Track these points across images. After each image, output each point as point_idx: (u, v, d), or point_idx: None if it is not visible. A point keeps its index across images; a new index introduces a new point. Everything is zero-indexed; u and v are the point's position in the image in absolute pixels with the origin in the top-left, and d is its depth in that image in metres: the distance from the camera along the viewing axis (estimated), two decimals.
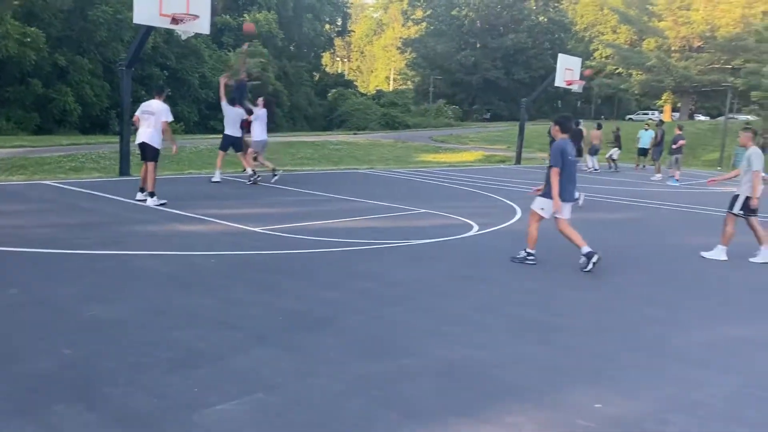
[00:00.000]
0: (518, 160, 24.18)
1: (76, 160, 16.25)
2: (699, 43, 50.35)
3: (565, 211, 7.40)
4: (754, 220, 8.55)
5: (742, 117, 49.49)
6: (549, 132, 10.23)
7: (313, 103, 56.93)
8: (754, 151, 8.50)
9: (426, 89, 72.90)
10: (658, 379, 4.27)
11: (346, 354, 4.39)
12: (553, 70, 23.18)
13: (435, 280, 6.53)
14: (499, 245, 8.55)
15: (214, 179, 13.65)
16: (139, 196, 10.41)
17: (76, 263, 6.38)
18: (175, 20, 12.33)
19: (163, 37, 34.97)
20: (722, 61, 47.70)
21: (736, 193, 8.56)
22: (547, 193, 7.33)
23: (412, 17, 79.74)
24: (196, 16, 12.51)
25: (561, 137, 7.33)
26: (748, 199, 8.41)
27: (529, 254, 7.54)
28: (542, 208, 7.43)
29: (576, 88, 23.84)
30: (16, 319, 4.69)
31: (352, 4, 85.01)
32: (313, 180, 15.26)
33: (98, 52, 34.82)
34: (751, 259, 8.48)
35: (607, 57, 58.45)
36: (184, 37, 13.82)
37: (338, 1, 66.91)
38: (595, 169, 22.28)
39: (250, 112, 13.90)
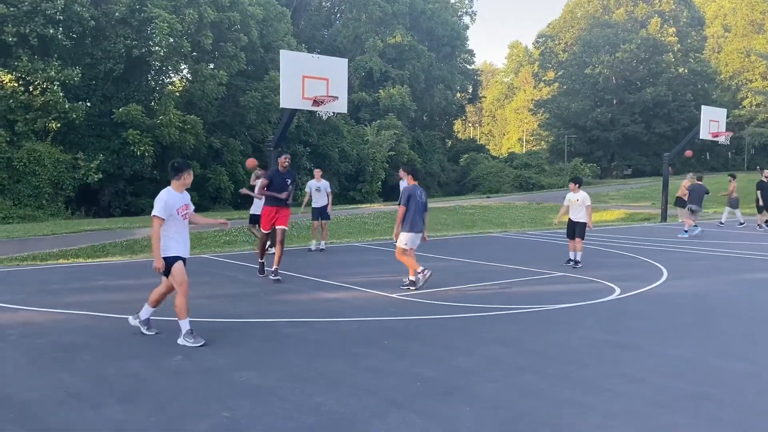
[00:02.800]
0: (664, 218, 23.08)
1: (230, 234, 17.59)
2: None
3: (412, 241, 9.27)
4: None
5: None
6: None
7: (446, 168, 57.85)
8: None
9: (561, 148, 71.75)
10: None
11: (479, 422, 4.43)
12: (697, 121, 22.23)
13: (571, 347, 6.41)
14: (644, 310, 8.21)
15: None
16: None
17: (232, 332, 6.92)
18: (316, 102, 13.29)
19: (305, 117, 37.41)
20: None
21: None
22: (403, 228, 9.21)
23: (543, 79, 79.60)
24: (336, 98, 13.40)
25: (412, 183, 9.42)
26: None
27: (411, 282, 9.28)
28: (405, 243, 9.25)
29: (723, 140, 22.60)
30: (181, 384, 5.18)
31: (482, 71, 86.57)
32: (447, 245, 15.45)
33: (248, 133, 37.85)
34: None
35: (758, 105, 54.86)
36: (325, 117, 14.82)
37: (469, 69, 68.40)
38: (720, 223, 21.18)
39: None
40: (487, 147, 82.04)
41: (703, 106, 23.19)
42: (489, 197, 40.36)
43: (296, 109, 13.83)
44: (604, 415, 4.59)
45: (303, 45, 43.51)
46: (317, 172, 14.54)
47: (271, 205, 10.04)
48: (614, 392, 5.07)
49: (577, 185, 11.71)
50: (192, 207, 6.60)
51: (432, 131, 59.73)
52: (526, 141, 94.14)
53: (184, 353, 6.02)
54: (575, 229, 11.72)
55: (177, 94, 35.32)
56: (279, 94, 13.52)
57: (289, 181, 10.10)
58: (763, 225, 19.83)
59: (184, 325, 6.34)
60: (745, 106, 56.60)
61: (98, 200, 31.49)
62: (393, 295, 8.89)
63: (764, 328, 7.36)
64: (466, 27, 66.27)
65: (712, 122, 21.97)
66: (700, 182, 18.27)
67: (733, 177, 21.51)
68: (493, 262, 12.46)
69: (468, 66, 68.81)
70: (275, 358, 5.92)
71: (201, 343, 6.22)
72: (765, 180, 19.73)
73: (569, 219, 11.84)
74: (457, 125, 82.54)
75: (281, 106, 13.64)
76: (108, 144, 30.81)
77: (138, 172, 31.55)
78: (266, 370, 5.53)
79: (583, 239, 11.74)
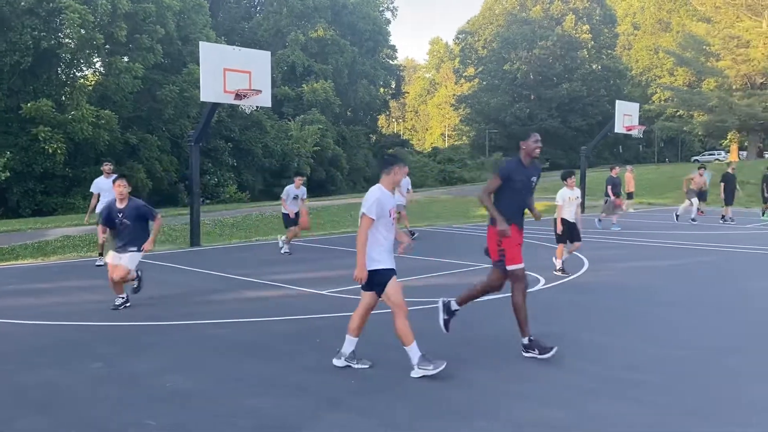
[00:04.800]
0: (582, 209, 23.83)
1: None
2: (762, 80, 49.14)
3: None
4: None
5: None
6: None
7: (371, 164, 57.94)
8: None
9: (482, 143, 73.22)
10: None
11: (414, 416, 4.38)
12: (611, 116, 23.08)
13: (502, 338, 6.47)
14: (568, 299, 8.42)
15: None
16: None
17: (155, 335, 6.62)
18: (238, 96, 12.95)
19: (227, 111, 36.53)
20: None
21: None
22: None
23: (464, 75, 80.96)
24: (259, 91, 13.10)
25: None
26: None
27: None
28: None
29: (636, 133, 23.57)
30: (102, 392, 4.89)
31: (404, 67, 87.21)
32: None
33: (167, 129, 36.64)
34: None
35: (665, 100, 57.61)
36: (248, 111, 14.47)
37: (391, 65, 68.72)
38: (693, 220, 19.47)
39: None
40: (411, 142, 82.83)
41: (617, 101, 24.11)
42: (414, 192, 40.70)
43: (217, 103, 13.45)
44: (540, 402, 4.63)
45: (222, 38, 42.46)
46: (299, 179, 13.11)
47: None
48: (548, 380, 5.13)
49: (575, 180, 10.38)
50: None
51: (356, 126, 59.65)
52: (448, 136, 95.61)
53: (104, 359, 5.70)
54: (574, 231, 10.33)
55: (90, 88, 33.78)
56: (198, 88, 13.12)
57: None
58: (728, 218, 19.59)
59: (414, 351, 5.20)
60: (654, 101, 59.20)
61: (6, 200, 29.76)
62: (323, 292, 8.76)
63: (682, 313, 7.67)
64: (388, 22, 66.45)
65: (626, 116, 22.86)
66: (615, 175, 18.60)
67: (704, 168, 20.36)
68: (421, 256, 12.50)
69: (391, 61, 69.09)
70: (202, 361, 5.69)
71: (442, 366, 5.13)
72: (730, 172, 19.88)
73: (563, 219, 10.38)
74: (381, 120, 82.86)
75: (202, 99, 13.25)
76: (16, 141, 29.13)
77: (49, 170, 29.96)
78: (193, 374, 5.31)
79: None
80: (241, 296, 8.67)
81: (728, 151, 60.53)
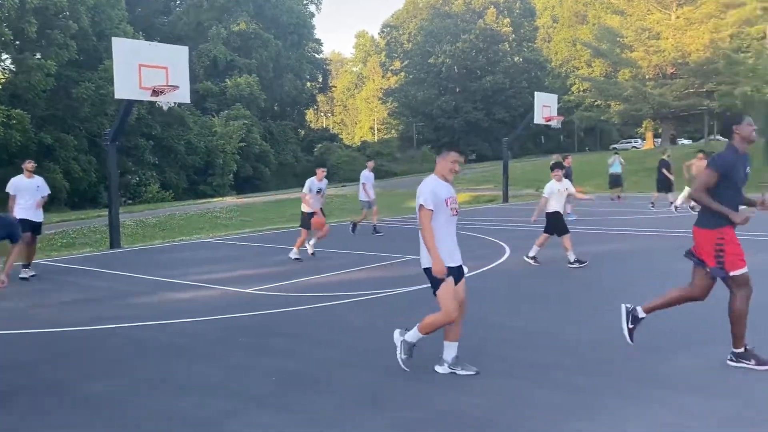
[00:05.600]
0: (505, 199, 24.42)
1: (67, 236, 16.35)
2: (672, 70, 51.44)
3: None
4: None
5: (724, 139, 50.33)
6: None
7: (300, 159, 57.59)
8: None
9: (410, 136, 73.87)
10: (650, 409, 4.31)
11: (339, 412, 4.41)
12: (532, 107, 23.65)
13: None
14: (489, 286, 8.63)
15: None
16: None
17: (75, 341, 6.40)
18: (155, 92, 12.61)
19: (146, 108, 35.50)
20: (696, 86, 48.66)
21: None
22: None
23: (390, 68, 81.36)
24: (176, 87, 12.79)
25: None
26: None
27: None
28: None
29: (555, 124, 24.26)
30: (21, 403, 4.70)
31: (331, 60, 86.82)
32: None
33: (83, 127, 35.30)
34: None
35: (584, 90, 59.56)
36: (165, 108, 14.11)
37: (317, 58, 68.35)
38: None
39: None
40: (340, 136, 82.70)
41: (536, 93, 24.76)
42: (345, 186, 40.69)
43: (134, 100, 13.06)
44: (463, 391, 4.74)
45: (140, 33, 41.20)
46: (322, 170, 11.46)
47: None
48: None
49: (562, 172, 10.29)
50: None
51: (284, 121, 59.11)
52: (377, 129, 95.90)
53: (24, 368, 5.47)
54: (560, 223, 10.09)
55: None
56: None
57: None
58: (667, 204, 19.53)
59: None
60: (573, 92, 61.16)
61: None
62: (248, 291, 8.67)
63: (600, 296, 7.99)
64: (312, 15, 66.05)
65: (545, 107, 23.51)
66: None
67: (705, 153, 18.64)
68: (350, 249, 12.54)
69: (316, 55, 68.75)
70: (124, 365, 5.55)
71: (474, 371, 4.98)
72: (666, 159, 20.19)
73: (551, 212, 10.18)
74: (309, 115, 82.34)
75: (116, 96, 12.85)
76: None
77: None
78: (115, 378, 5.17)
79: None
80: (165, 298, 8.48)
81: (644, 139, 63.17)
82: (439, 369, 5.07)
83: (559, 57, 71.61)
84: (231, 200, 28.79)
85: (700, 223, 5.08)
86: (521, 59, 73.35)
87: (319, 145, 61.04)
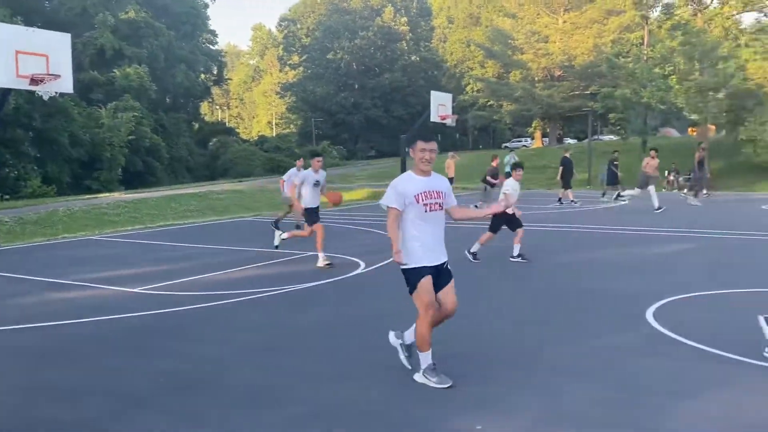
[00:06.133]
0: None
1: None
2: (559, 73, 53.99)
3: None
4: None
5: (606, 138, 53.37)
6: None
7: (194, 153, 55.84)
8: None
9: (309, 131, 73.45)
10: (532, 394, 4.50)
11: (225, 412, 4.32)
12: (429, 106, 24.11)
13: (323, 324, 6.56)
14: (386, 281, 8.72)
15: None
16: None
17: None
18: (34, 81, 11.85)
19: (24, 98, 33.26)
20: (581, 88, 51.34)
21: None
22: None
23: (288, 63, 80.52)
24: (58, 76, 12.08)
25: None
26: None
27: None
28: None
29: (450, 122, 24.85)
30: None
31: (227, 53, 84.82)
32: (197, 232, 14.93)
33: None
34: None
35: (478, 90, 61.39)
36: (46, 97, 13.27)
37: (212, 50, 66.53)
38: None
39: None
40: (237, 130, 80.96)
41: (432, 92, 25.28)
42: (241, 181, 39.87)
43: (10, 89, 12.21)
44: (352, 385, 4.75)
45: (18, 18, 38.47)
46: (318, 160, 10.16)
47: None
48: (367, 363, 5.26)
49: None
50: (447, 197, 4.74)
51: (177, 114, 57.08)
52: (275, 124, 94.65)
53: None
54: (515, 220, 10.20)
55: None
56: None
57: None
58: (568, 201, 20.30)
59: (425, 359, 4.67)
60: (468, 92, 62.91)
61: None
62: (134, 290, 8.32)
63: (486, 284, 8.24)
64: (206, 6, 64.16)
65: (441, 106, 24.06)
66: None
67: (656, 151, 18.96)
68: (244, 246, 12.31)
69: (211, 47, 66.86)
70: None
71: (448, 384, 4.58)
72: (567, 156, 20.93)
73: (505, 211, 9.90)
74: (204, 108, 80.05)
75: None
76: None
77: None
78: None
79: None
80: (45, 299, 7.99)
81: (534, 138, 65.93)
82: (417, 378, 4.75)
83: (454, 57, 73.43)
84: (119, 196, 27.52)
85: None
86: (418, 58, 74.63)
87: (215, 139, 59.49)
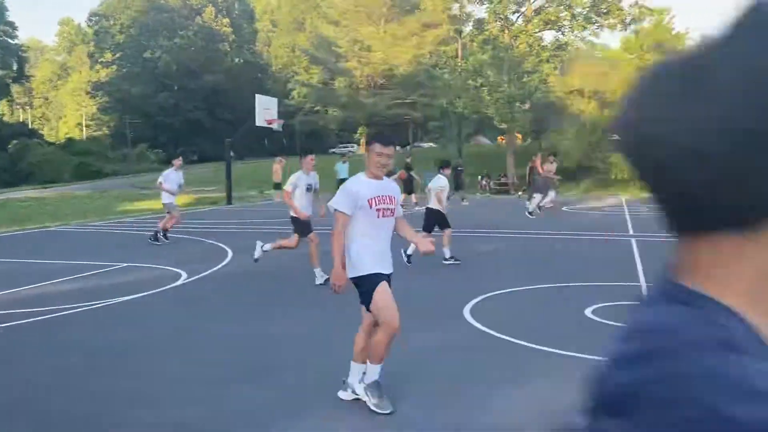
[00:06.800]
0: (229, 200, 24.12)
1: None
2: (382, 81, 55.69)
3: None
4: None
5: (425, 145, 55.92)
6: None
7: None
8: None
9: (124, 134, 69.17)
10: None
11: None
12: (255, 109, 23.72)
13: (142, 340, 6.13)
14: (209, 291, 8.38)
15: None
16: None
17: None
18: None
19: None
20: (403, 96, 53.34)
21: None
22: None
23: (100, 60, 75.24)
24: None
25: None
26: None
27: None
28: None
29: (276, 126, 24.64)
30: None
31: (29, 47, 77.43)
32: None
33: None
34: None
35: (304, 96, 61.54)
36: None
37: (11, 44, 60.43)
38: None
39: None
40: (41, 132, 74.15)
41: (257, 95, 24.91)
42: (46, 188, 36.51)
43: None
44: (180, 403, 4.47)
45: None
46: (311, 158, 8.72)
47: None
48: (190, 379, 4.99)
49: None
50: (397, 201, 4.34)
51: None
52: (86, 126, 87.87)
53: None
54: (444, 219, 10.20)
55: None
56: None
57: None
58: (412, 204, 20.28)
59: (374, 372, 4.18)
60: (294, 96, 62.82)
61: None
62: None
63: (312, 293, 8.21)
64: None
65: (266, 110, 23.77)
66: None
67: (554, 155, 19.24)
68: (51, 259, 11.23)
69: (10, 40, 60.71)
70: None
71: (389, 411, 4.11)
72: (409, 162, 21.60)
73: (435, 209, 10.23)
74: (3, 107, 72.37)
75: None
76: None
77: None
78: None
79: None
80: None
81: (360, 144, 67.35)
82: (342, 395, 4.39)
83: (279, 61, 73.03)
84: None
85: None
86: (242, 61, 73.24)
87: (15, 142, 54.00)
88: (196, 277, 9.29)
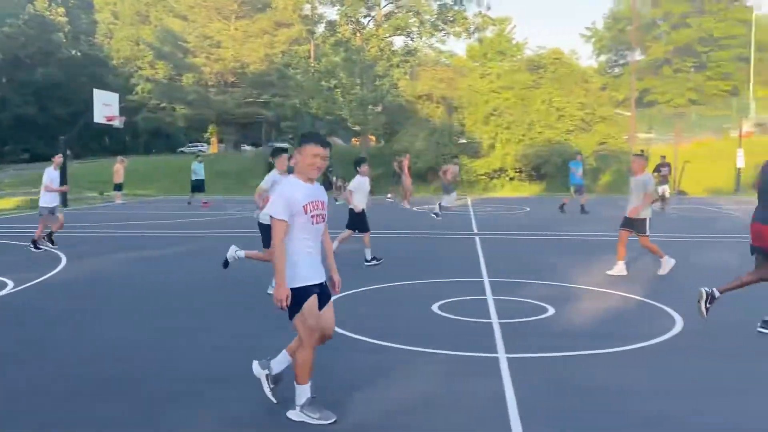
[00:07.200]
0: (64, 203, 22.42)
1: None
2: (233, 79, 54.36)
3: None
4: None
5: (280, 145, 55.35)
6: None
7: None
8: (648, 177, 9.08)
9: None
10: (200, 406, 4.35)
11: None
12: (93, 105, 22.23)
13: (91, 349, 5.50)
14: (42, 301, 7.71)
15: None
16: None
17: None
18: None
19: None
20: (255, 96, 52.40)
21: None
22: None
23: None
24: None
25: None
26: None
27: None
28: None
29: (117, 123, 23.28)
30: None
31: None
32: None
33: None
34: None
35: (149, 92, 58.63)
36: None
37: None
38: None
39: None
40: None
41: (95, 90, 23.38)
42: None
43: None
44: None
45: None
46: (283, 158, 7.83)
47: None
48: (28, 405, 4.54)
49: None
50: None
51: None
52: None
53: None
54: (365, 220, 10.02)
55: None
56: None
57: None
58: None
59: (304, 392, 4.06)
60: (138, 92, 59.59)
61: None
62: None
63: (166, 299, 7.83)
64: None
65: (106, 106, 22.37)
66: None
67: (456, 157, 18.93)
68: None
69: None
70: None
71: (332, 420, 4.00)
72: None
73: (356, 209, 10.00)
74: None
75: None
76: None
77: None
78: None
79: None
80: None
81: (210, 143, 65.31)
82: (291, 415, 4.12)
83: (122, 55, 69.04)
84: None
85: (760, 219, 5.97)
86: (80, 53, 68.35)
87: None
88: (25, 285, 8.51)
